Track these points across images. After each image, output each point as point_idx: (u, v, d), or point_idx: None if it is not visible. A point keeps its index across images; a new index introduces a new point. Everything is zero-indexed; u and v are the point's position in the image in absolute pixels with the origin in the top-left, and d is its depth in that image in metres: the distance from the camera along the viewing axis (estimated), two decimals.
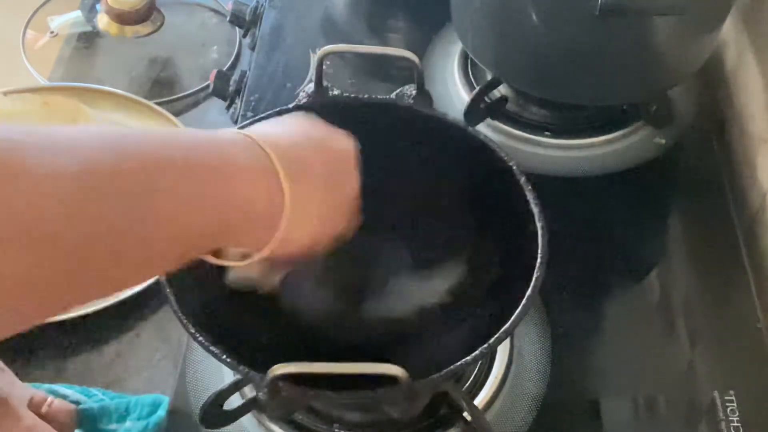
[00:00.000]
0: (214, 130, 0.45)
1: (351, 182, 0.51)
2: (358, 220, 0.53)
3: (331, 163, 0.49)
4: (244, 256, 0.48)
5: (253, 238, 0.46)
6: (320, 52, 0.63)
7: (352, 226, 0.52)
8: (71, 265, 0.37)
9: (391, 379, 0.49)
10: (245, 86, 0.90)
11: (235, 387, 0.60)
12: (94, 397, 0.67)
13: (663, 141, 0.86)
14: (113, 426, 0.66)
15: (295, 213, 0.45)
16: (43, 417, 0.62)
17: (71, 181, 0.36)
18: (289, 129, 0.49)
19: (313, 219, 0.48)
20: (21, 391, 0.62)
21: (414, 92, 0.64)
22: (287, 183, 0.45)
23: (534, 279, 0.55)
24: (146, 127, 0.92)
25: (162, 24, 1.03)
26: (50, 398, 0.64)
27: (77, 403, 0.66)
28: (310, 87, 0.64)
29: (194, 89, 0.98)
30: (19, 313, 0.37)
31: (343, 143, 0.52)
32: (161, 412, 0.65)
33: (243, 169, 0.44)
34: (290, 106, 0.65)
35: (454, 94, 0.90)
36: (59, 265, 0.36)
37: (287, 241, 0.46)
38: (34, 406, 0.62)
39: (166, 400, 0.66)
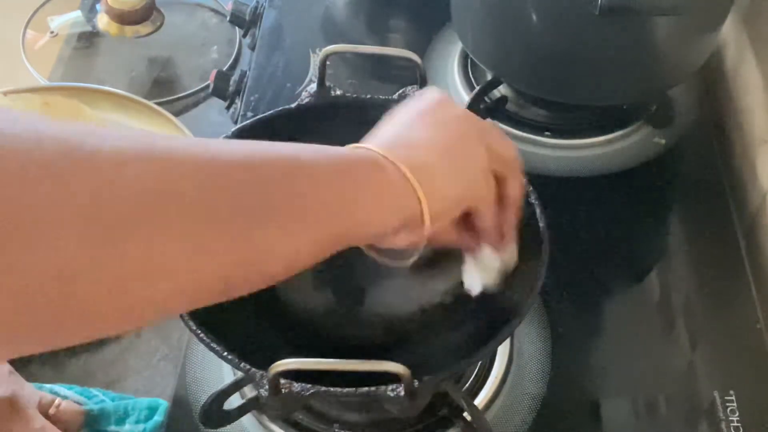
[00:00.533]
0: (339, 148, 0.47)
1: (462, 122, 0.52)
2: (495, 134, 0.53)
3: (437, 125, 0.51)
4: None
5: (399, 229, 0.48)
6: (323, 52, 0.63)
7: (493, 140, 0.53)
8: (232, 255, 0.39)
9: (392, 378, 0.49)
10: (245, 86, 0.90)
11: (236, 387, 0.60)
12: (95, 398, 0.67)
13: (663, 141, 0.86)
14: (112, 428, 0.66)
15: (429, 189, 0.47)
16: (50, 419, 0.62)
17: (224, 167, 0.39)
18: (399, 125, 0.51)
19: (449, 179, 0.49)
20: (30, 393, 0.63)
21: (416, 92, 0.64)
22: (416, 183, 0.47)
23: (535, 279, 0.55)
24: (146, 128, 0.92)
25: (162, 24, 1.03)
26: (58, 400, 0.64)
27: (78, 404, 0.66)
28: (312, 87, 0.64)
29: (194, 89, 0.99)
30: (171, 308, 0.39)
31: (434, 97, 0.53)
32: (158, 418, 0.65)
33: (375, 184, 0.46)
34: (291, 106, 0.65)
35: (454, 94, 0.90)
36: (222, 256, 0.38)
37: (436, 208, 0.48)
38: (42, 408, 0.62)
39: (163, 405, 0.66)
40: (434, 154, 0.49)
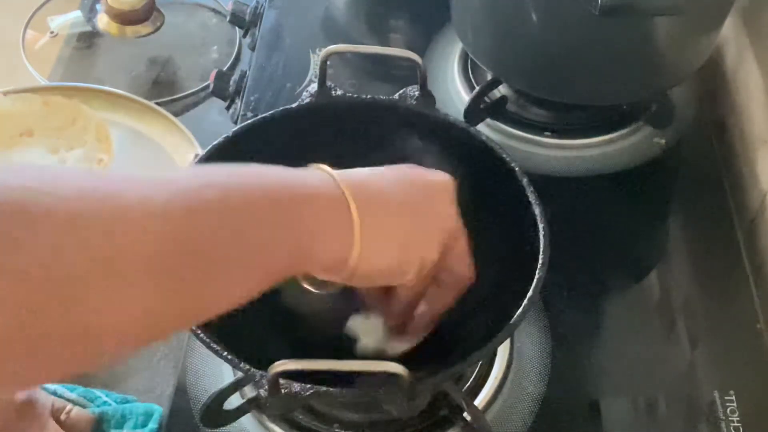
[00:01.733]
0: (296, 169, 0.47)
1: (440, 210, 0.51)
2: (461, 247, 0.53)
3: (414, 193, 0.50)
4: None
5: (326, 266, 0.47)
6: (324, 51, 0.63)
7: (455, 252, 0.52)
8: (182, 297, 0.39)
9: (392, 378, 0.49)
10: (245, 86, 0.90)
11: (235, 387, 0.60)
12: (98, 400, 0.67)
13: (663, 141, 0.86)
14: None
15: (367, 240, 0.47)
16: (61, 424, 0.63)
17: (180, 218, 0.39)
18: (377, 170, 0.51)
19: (390, 245, 0.49)
20: (44, 398, 0.63)
21: (417, 93, 0.65)
22: (356, 212, 0.46)
23: (535, 280, 0.55)
24: (147, 128, 0.92)
25: (162, 24, 1.03)
26: (69, 406, 0.64)
27: (82, 406, 0.67)
28: (313, 87, 0.64)
29: (194, 89, 0.99)
30: (128, 346, 0.39)
31: (436, 176, 0.53)
32: (152, 425, 0.66)
33: (318, 200, 0.46)
34: (292, 106, 0.65)
35: (454, 94, 0.90)
36: (173, 298, 0.39)
37: (363, 266, 0.47)
38: (54, 414, 0.63)
39: (158, 412, 0.66)
40: (388, 218, 0.49)
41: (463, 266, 0.54)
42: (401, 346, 0.58)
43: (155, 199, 0.38)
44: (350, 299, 0.64)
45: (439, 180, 0.53)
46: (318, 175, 0.47)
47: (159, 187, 0.39)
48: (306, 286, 0.54)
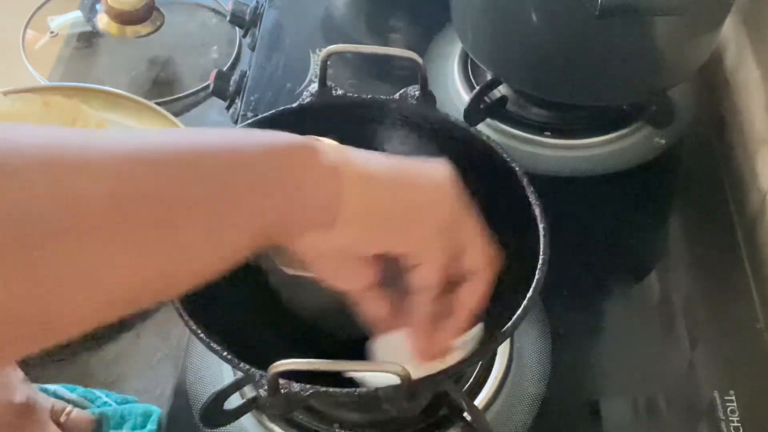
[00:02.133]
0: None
1: (433, 198, 0.48)
2: (470, 233, 0.49)
3: (407, 175, 0.48)
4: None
5: (310, 224, 0.45)
6: (324, 51, 0.63)
7: (464, 240, 0.49)
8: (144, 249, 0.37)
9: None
10: (245, 86, 0.90)
11: (235, 387, 0.60)
12: (98, 400, 0.67)
13: (663, 141, 0.86)
14: None
15: (356, 216, 0.45)
16: (61, 426, 0.63)
17: (143, 166, 0.37)
18: (384, 156, 0.49)
19: (381, 216, 0.46)
20: (43, 400, 0.63)
21: (417, 93, 0.65)
22: (347, 181, 0.44)
23: (535, 280, 0.55)
24: (147, 128, 0.92)
25: (162, 24, 1.03)
26: (68, 408, 0.64)
27: (82, 407, 0.67)
28: (313, 87, 0.64)
29: (194, 89, 0.98)
30: (96, 319, 0.37)
31: (432, 167, 0.49)
32: (151, 426, 0.66)
33: (302, 155, 0.44)
34: (293, 105, 0.65)
35: (454, 94, 0.90)
36: (136, 252, 0.36)
37: (350, 234, 0.45)
38: (54, 416, 0.63)
39: (156, 413, 0.66)
40: (390, 179, 0.46)
41: (478, 253, 0.49)
42: (430, 368, 0.52)
43: (109, 149, 0.37)
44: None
45: (436, 168, 0.50)
46: (303, 138, 0.45)
47: (113, 139, 0.38)
48: (293, 271, 0.50)
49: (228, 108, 0.91)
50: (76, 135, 0.38)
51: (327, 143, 0.46)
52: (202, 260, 0.40)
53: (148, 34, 1.02)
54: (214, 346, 0.52)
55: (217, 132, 0.44)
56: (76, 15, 1.06)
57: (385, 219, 0.46)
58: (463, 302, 0.50)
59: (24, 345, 0.36)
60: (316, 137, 0.46)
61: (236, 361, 0.52)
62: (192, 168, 0.39)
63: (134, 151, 0.38)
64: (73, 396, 0.67)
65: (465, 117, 0.83)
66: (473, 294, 0.50)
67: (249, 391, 0.63)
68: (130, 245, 0.36)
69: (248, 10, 0.98)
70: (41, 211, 0.33)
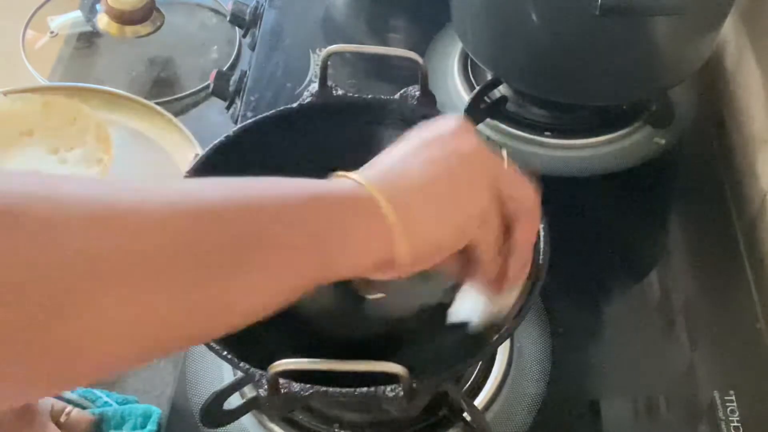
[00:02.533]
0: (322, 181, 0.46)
1: (467, 153, 0.49)
2: (505, 171, 0.50)
3: (435, 154, 0.48)
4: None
5: (367, 269, 0.46)
6: (325, 51, 0.63)
7: (505, 179, 0.50)
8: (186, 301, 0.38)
9: (391, 378, 0.49)
10: (245, 86, 0.90)
11: (235, 387, 0.60)
12: (99, 400, 0.67)
13: (663, 141, 0.86)
14: None
15: (410, 230, 0.45)
16: (61, 426, 0.63)
17: (183, 219, 0.38)
18: (393, 153, 0.49)
19: (435, 221, 0.47)
20: (43, 400, 0.63)
21: (417, 93, 0.65)
22: (389, 207, 0.45)
23: (535, 279, 0.55)
24: (146, 128, 0.92)
25: (162, 24, 1.03)
26: (68, 408, 0.64)
27: (83, 407, 0.67)
28: (314, 87, 0.64)
29: (194, 89, 0.98)
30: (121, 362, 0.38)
31: (445, 126, 0.50)
32: (151, 426, 0.66)
33: (345, 203, 0.45)
34: (293, 105, 0.65)
35: (454, 94, 0.90)
36: (177, 304, 0.37)
37: (418, 252, 0.46)
38: (54, 416, 0.63)
39: (156, 413, 0.66)
40: (422, 196, 0.47)
41: (521, 186, 0.50)
42: (506, 303, 0.54)
43: (155, 201, 0.38)
44: (351, 298, 0.64)
45: (450, 125, 0.50)
46: (341, 181, 0.46)
47: (158, 191, 0.39)
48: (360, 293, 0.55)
49: (228, 108, 0.91)
50: (126, 187, 0.38)
51: (359, 179, 0.46)
52: (247, 310, 0.42)
53: (148, 34, 1.02)
54: (214, 345, 0.52)
55: (261, 181, 0.44)
56: (76, 15, 1.06)
57: (437, 240, 0.47)
58: (523, 239, 0.52)
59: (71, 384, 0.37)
60: (345, 174, 0.47)
61: (236, 361, 0.52)
62: (226, 219, 0.40)
63: (182, 202, 0.39)
64: (73, 396, 0.67)
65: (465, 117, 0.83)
66: (529, 229, 0.52)
67: (249, 391, 0.63)
68: (178, 294, 0.37)
69: (248, 10, 0.98)
70: (90, 263, 0.34)
